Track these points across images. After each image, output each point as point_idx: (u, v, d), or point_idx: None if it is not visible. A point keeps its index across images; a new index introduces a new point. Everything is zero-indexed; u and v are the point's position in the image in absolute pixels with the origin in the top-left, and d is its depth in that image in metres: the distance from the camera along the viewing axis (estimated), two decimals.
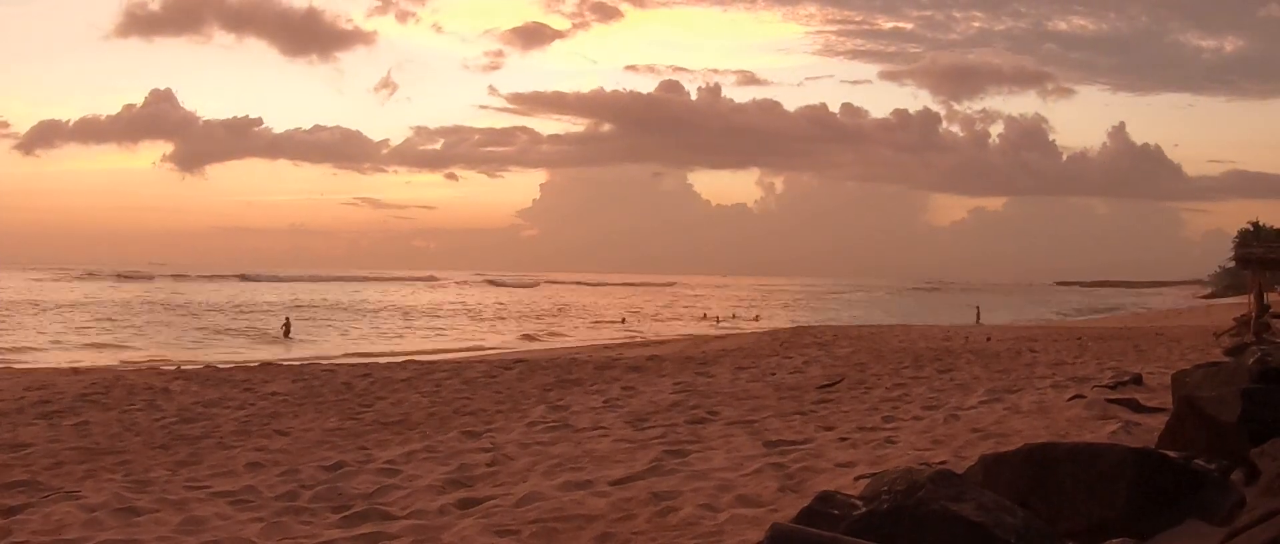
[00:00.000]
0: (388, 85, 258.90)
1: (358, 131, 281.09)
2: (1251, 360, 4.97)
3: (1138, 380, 10.28)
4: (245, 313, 48.26)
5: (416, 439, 9.56)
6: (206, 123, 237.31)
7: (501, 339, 35.35)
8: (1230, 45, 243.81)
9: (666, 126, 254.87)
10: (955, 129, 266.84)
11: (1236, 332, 22.11)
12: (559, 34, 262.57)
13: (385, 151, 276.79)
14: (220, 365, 19.25)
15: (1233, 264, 48.73)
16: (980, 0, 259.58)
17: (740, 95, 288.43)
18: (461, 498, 6.65)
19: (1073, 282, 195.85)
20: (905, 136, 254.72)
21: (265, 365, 18.82)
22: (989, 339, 23.26)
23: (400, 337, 36.33)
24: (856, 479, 6.08)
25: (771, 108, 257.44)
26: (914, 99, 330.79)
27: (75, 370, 18.21)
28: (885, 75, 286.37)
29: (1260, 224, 63.88)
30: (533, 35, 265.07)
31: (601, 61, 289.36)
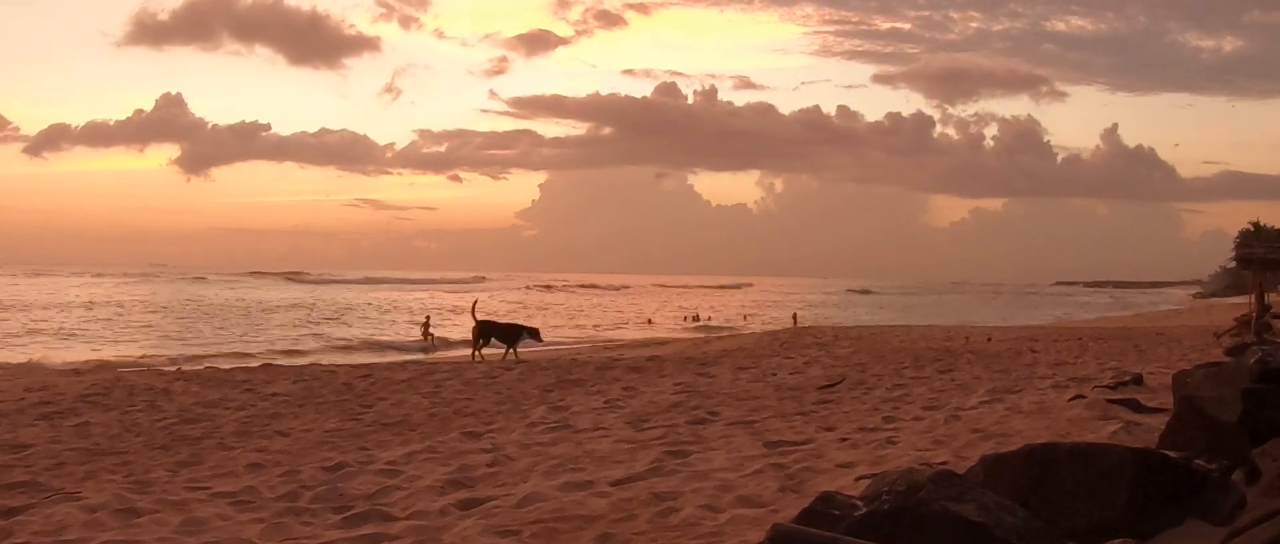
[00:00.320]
0: (392, 90, 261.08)
1: (365, 136, 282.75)
2: (1252, 360, 4.97)
3: (1138, 380, 10.28)
4: (355, 313, 48.36)
5: (417, 440, 9.57)
6: (214, 127, 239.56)
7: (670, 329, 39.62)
8: (1229, 45, 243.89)
9: (664, 130, 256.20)
10: (950, 131, 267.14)
11: (1237, 331, 22.12)
12: (563, 40, 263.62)
13: (389, 155, 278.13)
14: (221, 366, 19.26)
15: (1233, 264, 48.78)
16: (977, 0, 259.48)
17: (737, 98, 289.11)
18: (462, 498, 6.65)
19: (1072, 282, 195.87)
20: (901, 140, 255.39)
21: (266, 366, 18.82)
22: (989, 339, 23.27)
23: (579, 326, 39.62)
24: (857, 479, 6.08)
25: (768, 111, 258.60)
26: (910, 102, 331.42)
27: (75, 371, 18.21)
28: (883, 77, 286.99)
29: (1260, 224, 63.89)
30: (537, 41, 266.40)
31: (600, 65, 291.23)
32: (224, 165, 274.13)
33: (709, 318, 48.70)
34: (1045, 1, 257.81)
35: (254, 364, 20.00)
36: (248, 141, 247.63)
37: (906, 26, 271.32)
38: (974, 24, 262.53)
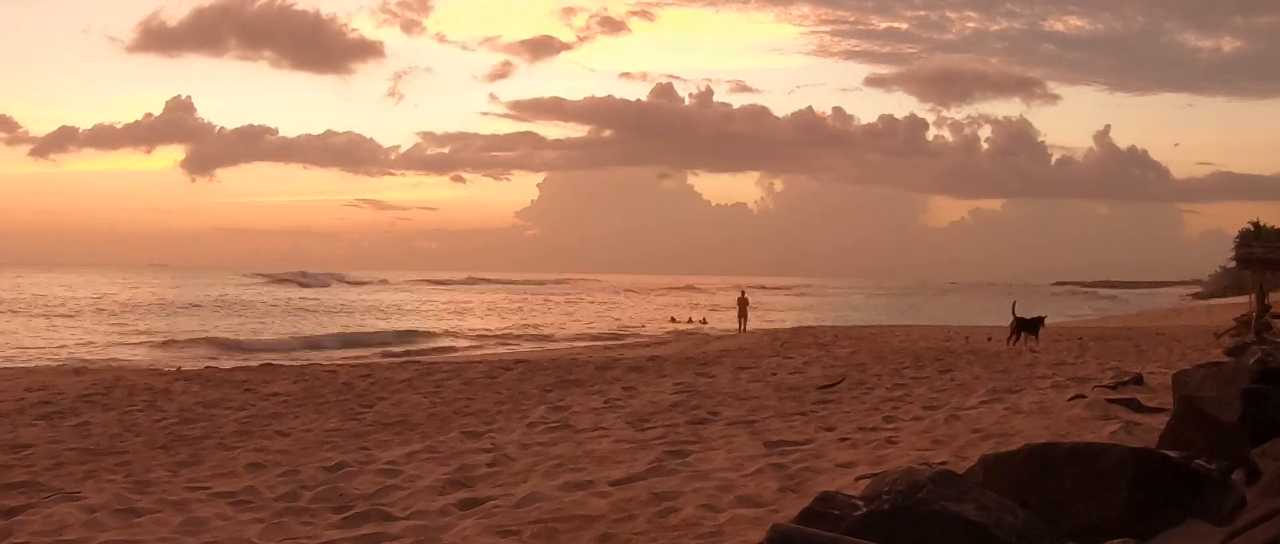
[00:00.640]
0: (395, 94, 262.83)
1: (371, 139, 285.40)
2: (1252, 360, 4.97)
3: (1138, 380, 10.28)
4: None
5: (417, 440, 9.57)
6: (221, 130, 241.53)
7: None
8: (1228, 46, 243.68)
9: (661, 132, 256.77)
10: (946, 133, 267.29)
11: (1237, 331, 22.12)
12: (566, 45, 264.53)
13: (394, 157, 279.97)
14: (221, 366, 19.26)
15: (1232, 264, 48.74)
16: (975, 0, 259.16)
17: (734, 100, 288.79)
18: (462, 498, 6.66)
19: (1071, 282, 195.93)
20: (895, 142, 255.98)
21: (265, 366, 18.82)
22: (989, 339, 23.27)
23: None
24: (857, 479, 6.08)
25: (763, 114, 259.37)
26: (903, 104, 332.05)
27: (76, 371, 18.21)
28: (879, 80, 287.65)
29: (1260, 224, 63.85)
30: (542, 46, 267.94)
31: (598, 68, 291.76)
32: (229, 166, 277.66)
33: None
34: (1043, 1, 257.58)
35: (254, 363, 20.00)
36: (253, 144, 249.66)
37: (903, 26, 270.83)
38: (971, 24, 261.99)
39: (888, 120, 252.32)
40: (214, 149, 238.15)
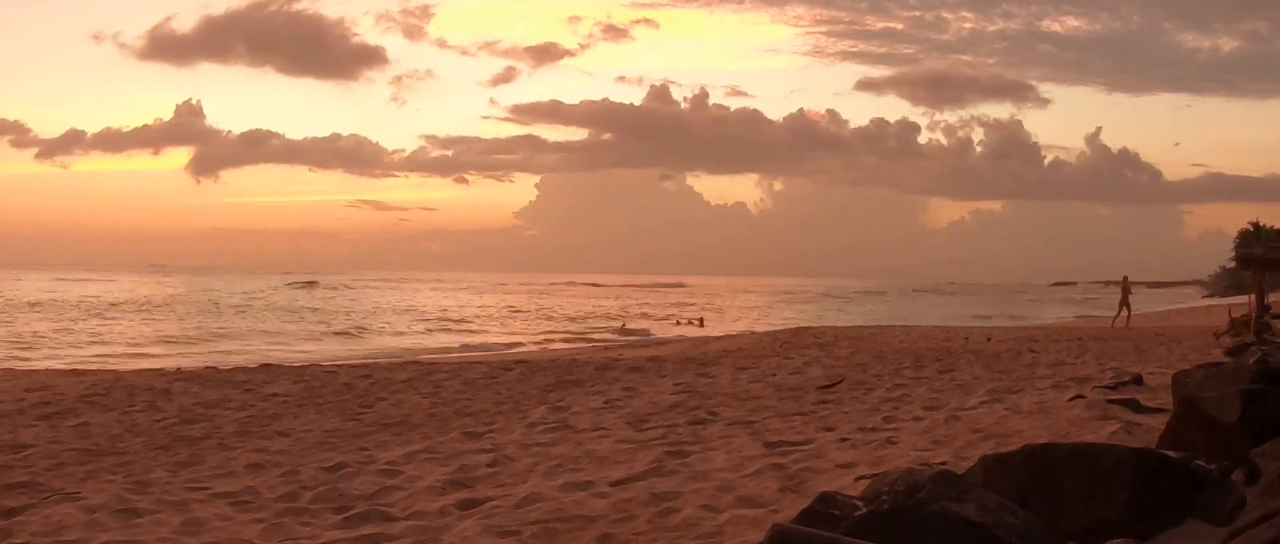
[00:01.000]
0: (398, 99, 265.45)
1: (376, 142, 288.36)
2: (1252, 360, 4.97)
3: (1138, 380, 10.28)
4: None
5: (417, 440, 9.56)
6: (228, 135, 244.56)
7: None
8: (1227, 46, 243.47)
9: (659, 135, 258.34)
10: (940, 136, 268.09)
11: (1236, 331, 22.11)
12: (568, 52, 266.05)
13: (398, 159, 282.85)
14: (220, 366, 19.25)
15: (1232, 264, 48.75)
16: (970, 0, 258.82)
17: (730, 103, 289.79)
18: (462, 499, 6.65)
19: (1070, 282, 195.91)
20: (889, 145, 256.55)
21: (265, 366, 18.82)
22: (989, 339, 23.26)
23: None
24: (857, 480, 6.08)
25: (757, 117, 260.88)
26: (897, 108, 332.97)
27: (75, 371, 18.21)
28: (875, 82, 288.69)
29: (1260, 224, 63.82)
30: (545, 53, 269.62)
31: (594, 72, 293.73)
32: (234, 168, 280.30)
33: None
34: (1039, 1, 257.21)
35: (253, 364, 20.00)
36: (259, 146, 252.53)
37: (899, 26, 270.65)
38: (967, 25, 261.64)
39: (880, 124, 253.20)
40: (220, 152, 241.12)
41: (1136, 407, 7.89)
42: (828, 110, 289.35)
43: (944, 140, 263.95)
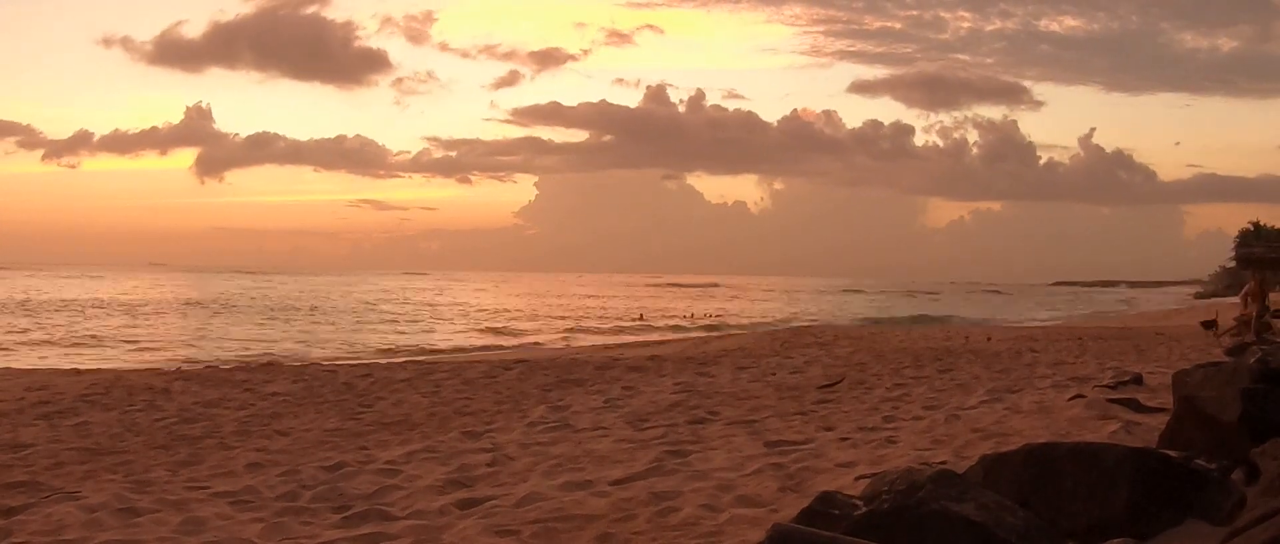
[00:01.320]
0: (400, 103, 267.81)
1: (381, 144, 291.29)
2: (1252, 360, 4.97)
3: (1138, 380, 10.28)
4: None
5: (417, 439, 9.56)
6: (235, 137, 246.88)
7: None
8: (1225, 46, 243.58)
9: (657, 137, 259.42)
10: (936, 138, 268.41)
11: (1236, 331, 22.10)
12: (572, 56, 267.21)
13: (402, 160, 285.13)
14: (221, 365, 19.26)
15: (1232, 264, 48.77)
16: (968, 0, 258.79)
17: (727, 105, 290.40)
18: (462, 498, 6.65)
19: (1070, 282, 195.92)
20: (886, 146, 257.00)
21: (265, 366, 18.82)
22: (989, 339, 23.26)
23: None
24: (857, 479, 6.08)
25: (754, 119, 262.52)
26: (891, 110, 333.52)
27: (76, 371, 18.21)
28: (867, 85, 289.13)
29: (1260, 224, 63.83)
30: (548, 57, 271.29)
31: (593, 74, 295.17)
32: (239, 168, 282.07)
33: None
34: (1037, 1, 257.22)
35: (254, 363, 20.00)
36: (264, 148, 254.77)
37: (897, 26, 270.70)
38: (965, 24, 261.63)
39: (875, 125, 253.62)
40: (226, 153, 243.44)
41: (1136, 406, 7.90)
42: (824, 111, 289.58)
43: (940, 141, 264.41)
